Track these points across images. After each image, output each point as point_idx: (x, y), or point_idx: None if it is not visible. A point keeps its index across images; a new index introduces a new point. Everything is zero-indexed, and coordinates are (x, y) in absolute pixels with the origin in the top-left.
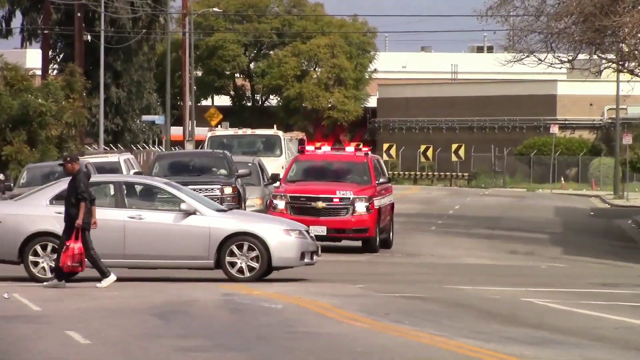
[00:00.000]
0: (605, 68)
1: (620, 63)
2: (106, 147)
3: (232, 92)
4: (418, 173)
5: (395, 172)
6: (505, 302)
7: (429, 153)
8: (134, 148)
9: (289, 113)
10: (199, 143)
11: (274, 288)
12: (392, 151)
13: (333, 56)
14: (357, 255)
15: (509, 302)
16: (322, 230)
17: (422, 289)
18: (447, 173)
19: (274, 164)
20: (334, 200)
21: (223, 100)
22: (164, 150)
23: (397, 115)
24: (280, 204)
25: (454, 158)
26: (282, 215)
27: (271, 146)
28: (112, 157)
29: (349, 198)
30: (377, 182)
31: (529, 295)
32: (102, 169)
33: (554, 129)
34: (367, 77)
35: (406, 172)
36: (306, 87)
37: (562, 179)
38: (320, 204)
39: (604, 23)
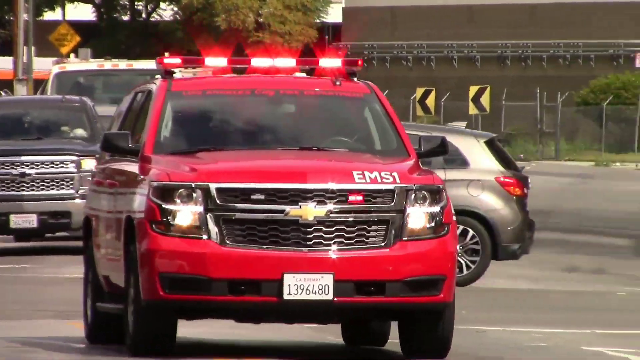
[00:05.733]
0: None
1: None
2: None
3: None
4: None
5: None
6: (559, 352)
7: (430, 101)
8: None
9: (191, 34)
10: (39, 84)
11: None
12: None
13: None
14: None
15: (564, 352)
16: (319, 285)
17: None
18: None
19: None
20: (352, 197)
21: (81, 12)
22: None
23: (376, 38)
24: (185, 212)
25: (472, 110)
26: (199, 246)
27: None
28: None
29: (392, 191)
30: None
31: (597, 341)
32: None
33: None
34: None
35: None
36: None
37: None
38: (310, 211)
39: None
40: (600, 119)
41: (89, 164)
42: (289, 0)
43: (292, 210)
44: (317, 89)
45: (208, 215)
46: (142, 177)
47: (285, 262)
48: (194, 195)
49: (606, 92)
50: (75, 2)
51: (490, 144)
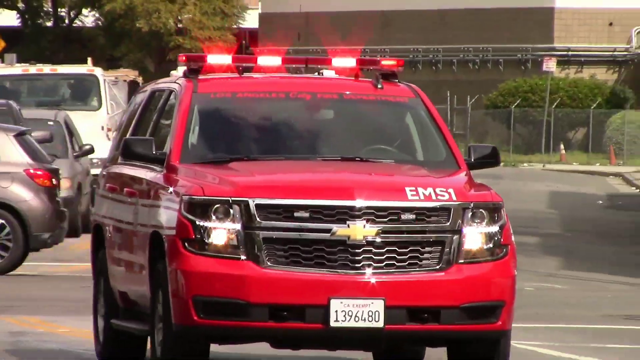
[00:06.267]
0: None
1: None
2: None
3: (20, 5)
4: None
5: None
6: None
7: None
8: None
9: (113, 39)
10: None
11: None
12: None
13: None
14: None
15: None
16: (369, 312)
17: None
18: None
19: (90, 122)
20: (404, 215)
21: (6, 19)
22: None
23: (291, 44)
24: (221, 230)
25: None
26: (237, 267)
27: (84, 93)
28: None
29: (448, 209)
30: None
31: None
32: None
33: (550, 65)
34: None
35: None
36: None
37: (562, 146)
38: (359, 230)
39: None
40: (508, 121)
41: None
42: (206, 6)
43: (340, 230)
44: (357, 93)
45: (247, 234)
46: (170, 189)
47: (331, 286)
48: (232, 211)
49: (514, 95)
50: (1, 9)
51: (19, 137)
